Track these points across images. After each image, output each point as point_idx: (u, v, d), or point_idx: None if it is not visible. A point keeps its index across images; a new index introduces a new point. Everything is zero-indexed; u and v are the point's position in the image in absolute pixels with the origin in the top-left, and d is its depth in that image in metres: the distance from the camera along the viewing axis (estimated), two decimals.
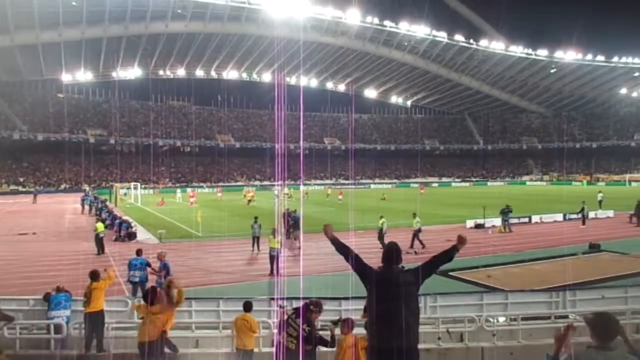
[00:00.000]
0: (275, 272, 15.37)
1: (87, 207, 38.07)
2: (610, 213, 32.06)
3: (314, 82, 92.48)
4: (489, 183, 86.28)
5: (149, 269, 12.49)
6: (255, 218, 20.18)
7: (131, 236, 23.38)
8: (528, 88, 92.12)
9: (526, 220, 29.16)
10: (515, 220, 27.52)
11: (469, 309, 9.70)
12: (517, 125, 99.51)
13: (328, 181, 78.29)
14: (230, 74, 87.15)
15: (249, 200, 42.50)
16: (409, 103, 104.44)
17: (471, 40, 79.47)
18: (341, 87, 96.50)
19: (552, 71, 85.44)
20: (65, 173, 68.67)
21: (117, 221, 24.97)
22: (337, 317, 6.95)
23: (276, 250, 15.66)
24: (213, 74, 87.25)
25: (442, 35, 77.77)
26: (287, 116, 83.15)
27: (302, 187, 60.59)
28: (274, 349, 6.42)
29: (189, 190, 56.97)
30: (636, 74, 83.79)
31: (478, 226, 26.37)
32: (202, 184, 72.40)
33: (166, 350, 7.53)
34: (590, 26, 78.57)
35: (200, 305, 9.76)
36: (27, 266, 17.31)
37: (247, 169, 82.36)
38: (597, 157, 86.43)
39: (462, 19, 79.89)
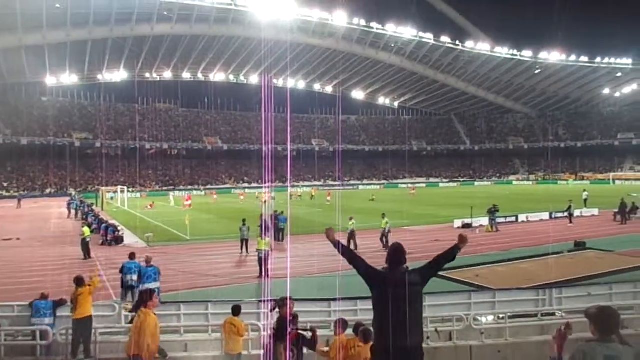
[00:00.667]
0: (264, 274, 15.33)
1: (73, 212, 37.66)
2: (595, 211, 32.51)
3: (301, 84, 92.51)
4: (476, 183, 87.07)
5: None
6: (244, 221, 20.12)
7: (118, 240, 23.16)
8: (513, 89, 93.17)
9: (513, 219, 29.44)
10: (502, 220, 27.80)
11: (457, 308, 9.76)
12: (503, 126, 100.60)
13: (316, 182, 78.29)
14: (217, 76, 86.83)
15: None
16: (396, 104, 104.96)
17: (457, 42, 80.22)
18: (329, 89, 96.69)
19: (536, 72, 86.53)
20: (51, 177, 67.79)
21: (104, 225, 24.72)
22: (309, 328, 7.01)
23: (264, 252, 15.63)
24: (200, 76, 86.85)
25: (428, 37, 78.34)
26: (275, 118, 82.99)
27: (289, 189, 60.46)
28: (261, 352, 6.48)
29: (185, 193, 56.75)
30: (619, 75, 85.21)
31: (466, 226, 26.56)
32: (190, 187, 71.91)
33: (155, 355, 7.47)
34: (573, 27, 79.77)
35: (189, 309, 9.69)
36: (11, 272, 17.04)
37: (235, 172, 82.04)
38: (581, 157, 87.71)
39: (449, 21, 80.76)
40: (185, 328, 9.11)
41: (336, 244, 4.39)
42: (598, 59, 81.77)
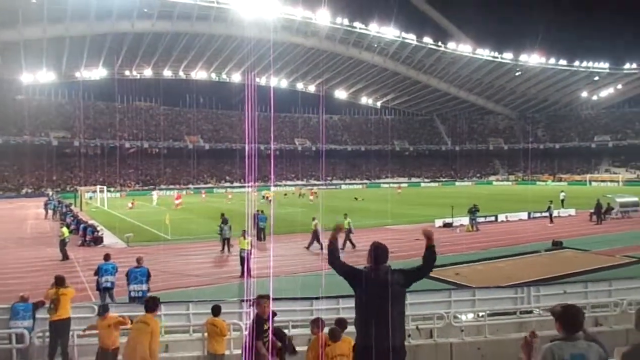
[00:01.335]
0: (245, 273, 15.26)
1: (50, 212, 36.87)
2: (572, 211, 33.23)
3: (284, 83, 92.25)
4: (457, 183, 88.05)
5: None
6: (224, 218, 19.97)
7: (97, 241, 22.79)
8: (494, 90, 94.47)
9: (493, 219, 29.91)
10: (482, 219, 28.20)
11: (437, 306, 9.87)
12: (484, 127, 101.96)
13: (299, 182, 78.21)
14: (199, 74, 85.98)
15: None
16: (379, 104, 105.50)
17: (439, 43, 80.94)
18: (311, 88, 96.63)
19: (517, 74, 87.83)
20: (27, 177, 66.28)
21: (82, 226, 24.31)
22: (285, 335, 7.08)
23: (246, 251, 15.56)
24: (181, 74, 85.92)
25: (411, 37, 78.85)
26: (258, 117, 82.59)
27: (272, 188, 60.24)
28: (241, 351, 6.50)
29: (175, 192, 56.08)
30: (596, 78, 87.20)
31: (446, 225, 26.92)
32: (172, 186, 71.11)
33: None
34: (553, 31, 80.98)
35: (170, 309, 9.60)
36: None
37: (217, 171, 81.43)
38: (560, 158, 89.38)
39: (431, 22, 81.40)
40: (166, 329, 9.02)
41: (332, 242, 4.41)
42: (576, 63, 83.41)
